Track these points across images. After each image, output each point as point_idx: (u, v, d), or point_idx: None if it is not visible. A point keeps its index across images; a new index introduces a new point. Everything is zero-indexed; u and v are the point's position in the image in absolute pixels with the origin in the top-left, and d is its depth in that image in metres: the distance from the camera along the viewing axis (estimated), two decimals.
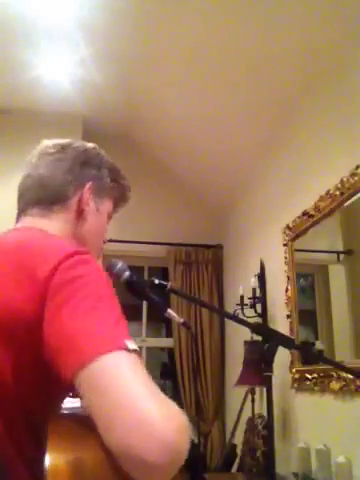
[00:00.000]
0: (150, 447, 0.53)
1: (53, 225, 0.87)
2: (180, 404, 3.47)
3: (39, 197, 0.89)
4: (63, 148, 0.94)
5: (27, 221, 0.88)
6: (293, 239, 2.70)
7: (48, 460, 0.56)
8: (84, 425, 0.60)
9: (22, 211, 0.91)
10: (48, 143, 0.97)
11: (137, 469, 0.55)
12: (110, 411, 0.55)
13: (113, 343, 0.59)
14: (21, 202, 0.92)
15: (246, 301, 3.09)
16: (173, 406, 0.58)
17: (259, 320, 2.99)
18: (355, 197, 2.09)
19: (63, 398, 0.77)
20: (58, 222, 0.88)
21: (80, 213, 0.90)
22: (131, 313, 4.55)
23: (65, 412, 0.77)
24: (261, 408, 2.91)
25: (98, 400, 0.57)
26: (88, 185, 0.91)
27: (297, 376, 2.51)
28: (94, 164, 0.95)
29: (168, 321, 4.38)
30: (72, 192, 0.90)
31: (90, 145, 0.99)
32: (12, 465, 0.66)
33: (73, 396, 0.71)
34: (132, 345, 0.61)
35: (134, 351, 0.60)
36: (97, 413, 0.57)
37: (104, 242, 1.01)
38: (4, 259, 0.72)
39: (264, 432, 2.70)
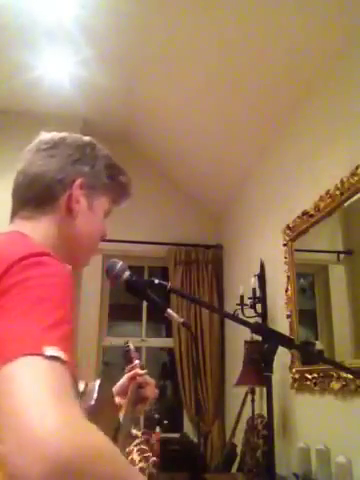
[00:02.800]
0: (30, 462, 0.46)
1: (40, 227, 0.85)
2: (180, 404, 3.47)
3: (27, 197, 0.88)
4: (56, 144, 0.91)
5: (15, 224, 0.87)
6: (293, 239, 2.70)
7: None
8: None
9: (14, 213, 0.89)
10: (44, 137, 0.94)
11: None
12: (2, 422, 0.50)
13: (26, 348, 0.54)
14: (13, 200, 0.91)
15: (246, 301, 3.09)
16: (81, 421, 0.52)
17: (259, 320, 2.99)
18: (355, 197, 2.09)
19: None
20: (47, 223, 0.86)
21: (69, 212, 0.87)
22: (131, 313, 4.57)
23: None
24: (261, 408, 2.91)
25: None
26: (77, 182, 0.88)
27: (297, 376, 2.51)
28: (87, 160, 0.92)
29: (168, 321, 4.38)
30: (61, 191, 0.87)
31: (86, 139, 0.96)
32: None
33: None
34: (53, 352, 0.55)
35: (54, 358, 0.54)
36: None
37: (102, 238, 0.98)
38: None
39: (264, 432, 2.70)
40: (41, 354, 0.54)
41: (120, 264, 1.12)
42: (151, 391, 1.20)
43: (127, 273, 1.12)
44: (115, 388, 1.17)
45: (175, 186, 4.36)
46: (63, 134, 0.94)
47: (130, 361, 1.23)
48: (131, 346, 1.26)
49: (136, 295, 1.14)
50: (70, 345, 0.58)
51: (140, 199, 4.28)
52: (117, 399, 1.12)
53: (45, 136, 0.94)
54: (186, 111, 3.41)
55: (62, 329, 0.59)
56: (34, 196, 0.87)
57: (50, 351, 0.54)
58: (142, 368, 1.22)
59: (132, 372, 1.21)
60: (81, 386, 0.83)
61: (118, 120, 3.99)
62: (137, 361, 1.23)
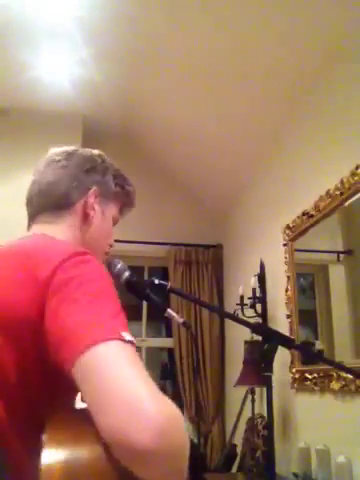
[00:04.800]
0: (141, 432, 0.52)
1: (60, 230, 0.90)
2: (180, 404, 3.45)
3: (45, 204, 0.93)
4: (69, 155, 0.97)
5: (35, 228, 0.92)
6: (293, 239, 2.70)
7: (43, 455, 0.55)
8: (84, 419, 0.59)
9: (31, 219, 0.94)
10: (55, 151, 1.00)
11: (128, 456, 0.54)
12: (101, 397, 0.56)
13: (108, 333, 0.60)
14: (29, 208, 0.95)
15: (246, 301, 3.09)
16: (166, 398, 0.58)
17: (259, 320, 2.99)
18: (355, 197, 2.09)
19: (72, 395, 0.77)
20: (64, 227, 0.91)
21: (85, 217, 0.93)
22: (131, 313, 4.54)
23: (71, 407, 0.76)
24: (261, 408, 2.91)
25: (91, 387, 0.57)
26: (92, 190, 0.94)
27: (297, 376, 2.51)
28: (99, 170, 0.98)
29: (168, 321, 4.38)
30: (77, 197, 0.93)
31: (95, 152, 1.02)
32: (17, 458, 0.67)
33: None
34: (128, 336, 0.61)
35: (130, 342, 0.61)
36: (90, 400, 0.57)
37: (110, 246, 1.03)
38: (9, 264, 0.74)
39: (264, 432, 2.70)
40: (122, 339, 0.60)
41: (120, 264, 1.13)
42: None
43: (127, 273, 1.12)
44: None
45: (175, 186, 4.36)
46: (75, 147, 1.01)
47: None
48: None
49: (136, 295, 1.14)
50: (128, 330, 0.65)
51: (140, 199, 4.25)
52: None
53: (57, 150, 1.00)
54: (186, 111, 3.40)
55: (123, 316, 0.66)
56: (51, 203, 0.92)
57: (127, 336, 0.61)
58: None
59: None
60: None
61: (118, 119, 3.99)
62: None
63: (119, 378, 0.56)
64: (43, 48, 3.05)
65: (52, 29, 2.84)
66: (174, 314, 1.16)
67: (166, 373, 4.99)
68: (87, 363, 0.58)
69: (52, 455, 0.56)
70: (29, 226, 0.94)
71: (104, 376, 0.56)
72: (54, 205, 0.92)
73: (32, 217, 0.94)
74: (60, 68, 3.25)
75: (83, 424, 0.59)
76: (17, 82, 3.36)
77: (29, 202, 0.96)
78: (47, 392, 0.69)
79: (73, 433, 0.60)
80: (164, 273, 4.30)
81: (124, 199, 1.05)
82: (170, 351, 4.37)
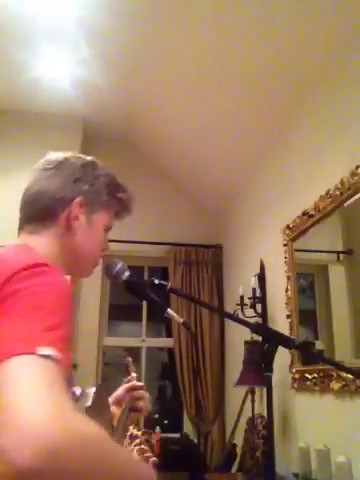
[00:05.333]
0: (21, 448, 0.49)
1: (43, 241, 0.91)
2: (180, 404, 3.46)
3: (31, 213, 0.94)
4: (59, 164, 0.97)
5: (21, 238, 0.94)
6: (293, 239, 2.70)
7: None
8: None
9: (20, 227, 0.96)
10: (49, 157, 1.00)
11: (16, 476, 0.49)
12: None
13: (23, 348, 0.59)
14: (20, 215, 0.97)
15: (246, 301, 3.09)
16: (71, 411, 0.56)
17: (259, 320, 2.99)
18: (355, 197, 2.09)
19: None
20: (49, 238, 0.92)
21: (69, 228, 0.93)
22: (131, 313, 4.57)
23: None
24: (261, 408, 2.91)
25: None
26: (77, 200, 0.94)
27: (297, 376, 2.51)
28: (88, 179, 0.98)
29: (168, 321, 4.38)
30: (61, 208, 0.94)
31: (88, 159, 1.02)
32: None
33: None
34: (45, 351, 0.59)
35: (46, 357, 0.59)
36: None
37: (103, 250, 1.03)
38: None
39: (264, 432, 2.70)
40: (35, 353, 0.58)
41: (120, 264, 1.12)
42: (145, 404, 1.21)
43: (127, 273, 1.12)
44: (111, 398, 1.18)
45: (175, 186, 4.36)
46: (67, 154, 1.00)
47: (128, 373, 1.25)
48: (129, 359, 1.29)
49: (136, 295, 1.14)
50: (64, 347, 0.62)
51: (140, 199, 4.25)
52: (112, 408, 1.14)
53: (51, 156, 1.00)
54: (186, 111, 3.41)
55: (56, 332, 0.63)
56: (37, 213, 0.94)
57: (43, 351, 0.59)
58: (138, 380, 1.24)
59: (129, 384, 1.22)
60: (77, 391, 0.85)
61: (118, 120, 3.99)
62: (134, 374, 1.24)
63: (15, 393, 0.54)
64: (43, 49, 3.05)
65: (53, 30, 2.84)
66: (174, 314, 1.15)
67: (166, 373, 5.00)
68: None
69: None
70: (18, 235, 0.96)
71: (2, 390, 0.55)
72: (39, 216, 0.93)
73: (20, 226, 0.96)
74: (60, 69, 3.25)
75: None
76: (18, 83, 3.36)
77: (21, 209, 0.97)
78: None
79: None
80: (164, 273, 4.30)
81: (117, 206, 1.04)
82: (170, 351, 4.37)
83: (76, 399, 0.83)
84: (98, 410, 0.89)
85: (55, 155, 1.00)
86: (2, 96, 3.57)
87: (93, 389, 0.87)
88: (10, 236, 1.01)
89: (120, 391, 1.23)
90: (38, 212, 0.93)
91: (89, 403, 0.83)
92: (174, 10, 2.56)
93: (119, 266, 1.12)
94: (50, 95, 3.53)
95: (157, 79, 3.23)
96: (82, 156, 1.02)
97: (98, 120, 3.97)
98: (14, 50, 3.04)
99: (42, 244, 0.90)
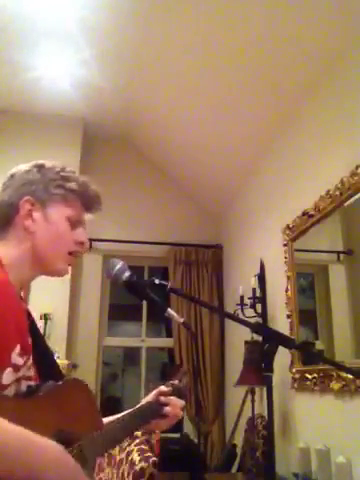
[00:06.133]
0: None
1: (10, 244, 0.97)
2: None
3: None
4: (11, 177, 1.03)
5: None
6: (293, 239, 2.70)
7: None
8: None
9: None
10: (7, 174, 1.06)
11: None
12: None
13: None
14: None
15: (246, 301, 3.09)
16: None
17: (259, 320, 2.99)
18: (355, 197, 2.09)
19: None
20: (12, 242, 0.97)
21: (26, 228, 0.97)
22: (131, 313, 4.57)
23: None
24: (261, 408, 2.91)
25: None
26: (23, 200, 0.98)
27: (297, 376, 2.51)
28: (33, 180, 1.02)
29: (168, 321, 4.38)
30: (14, 212, 0.98)
31: (35, 163, 1.05)
32: None
33: None
34: None
35: None
36: None
37: (79, 244, 1.03)
38: None
39: (264, 432, 2.70)
40: None
41: (120, 264, 1.12)
42: (173, 410, 1.17)
43: (127, 273, 1.12)
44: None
45: (175, 186, 4.36)
46: (21, 166, 1.06)
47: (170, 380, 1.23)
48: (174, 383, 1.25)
49: (136, 295, 1.14)
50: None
51: (140, 199, 4.28)
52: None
53: (7, 173, 1.06)
54: (186, 111, 3.41)
55: None
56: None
57: None
58: (179, 390, 1.21)
59: (158, 389, 1.20)
60: None
61: (118, 120, 3.99)
62: (176, 381, 1.23)
63: None
64: (43, 49, 3.05)
65: (53, 30, 2.84)
66: (174, 314, 1.15)
67: (166, 373, 4.99)
68: None
69: None
70: None
71: None
72: (0, 224, 0.99)
73: None
74: (61, 69, 3.25)
75: None
76: (18, 83, 3.36)
77: None
78: None
79: None
80: (164, 273, 4.30)
81: (75, 196, 1.04)
82: (170, 351, 4.37)
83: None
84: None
85: (10, 171, 1.06)
86: (2, 96, 3.56)
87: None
88: None
89: (150, 397, 1.22)
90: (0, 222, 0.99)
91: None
92: (175, 10, 2.56)
93: (119, 266, 1.12)
94: (50, 95, 3.52)
95: (157, 80, 3.23)
96: (33, 162, 1.06)
97: (98, 120, 3.97)
98: (14, 50, 3.04)
99: (8, 249, 0.95)
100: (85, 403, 0.91)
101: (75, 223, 1.03)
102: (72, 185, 1.04)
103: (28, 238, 0.97)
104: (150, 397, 1.20)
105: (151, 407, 1.16)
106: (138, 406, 1.16)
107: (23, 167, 1.04)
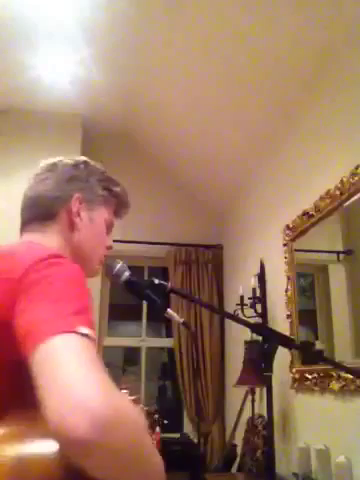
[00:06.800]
0: (78, 421, 0.52)
1: (48, 238, 0.94)
2: (180, 404, 3.45)
3: (33, 215, 0.97)
4: (52, 166, 1.01)
5: (25, 237, 0.96)
6: (293, 239, 2.70)
7: None
8: (40, 415, 0.59)
9: (22, 229, 0.98)
10: (42, 164, 1.03)
11: (68, 447, 0.53)
12: (46, 389, 0.56)
13: (64, 327, 0.62)
14: (21, 221, 1.00)
15: (246, 301, 3.08)
16: (115, 389, 0.58)
17: (259, 320, 2.99)
18: (355, 197, 2.09)
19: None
20: (52, 235, 0.95)
21: (71, 224, 0.96)
22: (131, 313, 4.57)
23: (31, 404, 0.77)
24: (261, 408, 2.91)
25: (40, 379, 0.58)
26: (75, 197, 0.97)
27: (297, 376, 2.51)
28: (82, 177, 1.00)
29: (168, 321, 4.38)
30: (61, 206, 0.96)
31: (79, 159, 1.04)
32: None
33: None
34: (85, 330, 0.63)
35: (86, 336, 0.62)
36: (39, 392, 0.57)
37: (108, 248, 1.05)
38: None
39: (264, 432, 2.70)
40: (76, 332, 0.62)
41: (120, 264, 1.13)
42: None
43: (127, 273, 1.12)
44: None
45: (175, 186, 4.36)
46: (60, 158, 1.04)
47: None
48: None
49: (136, 295, 1.14)
50: (94, 329, 0.66)
51: (140, 199, 4.28)
52: None
53: (43, 163, 1.03)
54: (186, 110, 3.41)
55: (87, 315, 0.68)
56: (38, 213, 0.96)
57: (82, 330, 0.62)
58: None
59: None
60: None
61: (118, 119, 3.99)
62: (123, 391, 1.23)
63: (65, 370, 0.57)
64: (43, 49, 3.05)
65: (52, 30, 2.84)
66: (174, 314, 1.16)
67: (166, 373, 5.00)
68: (40, 353, 0.60)
69: (2, 450, 0.56)
70: (20, 235, 0.98)
71: (52, 367, 0.57)
72: (40, 216, 0.96)
73: (22, 228, 0.98)
74: (60, 69, 3.25)
75: (37, 419, 0.59)
76: (17, 82, 3.36)
77: (21, 214, 1.00)
78: (16, 390, 0.70)
79: (26, 429, 0.60)
80: (164, 273, 4.30)
81: (115, 201, 1.06)
82: (170, 351, 4.37)
83: None
84: None
85: (48, 160, 1.03)
86: (2, 96, 3.56)
87: None
88: (13, 234, 1.02)
89: None
90: (39, 213, 0.96)
91: None
92: (173, 9, 2.56)
93: (119, 266, 1.12)
94: (50, 95, 3.52)
95: (157, 78, 3.23)
96: (73, 157, 1.05)
97: (98, 119, 3.97)
98: (14, 50, 3.04)
99: (48, 241, 0.92)
100: None
101: (109, 227, 1.05)
102: (117, 189, 1.06)
103: (72, 235, 0.96)
104: None
105: None
106: None
107: (66, 160, 1.03)
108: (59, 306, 0.66)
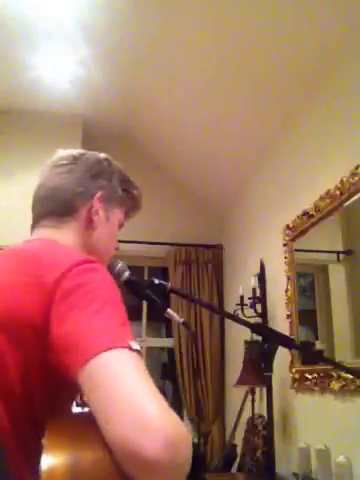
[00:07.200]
0: (147, 441, 0.52)
1: (64, 235, 0.90)
2: (180, 404, 3.45)
3: (50, 209, 0.92)
4: (75, 159, 0.96)
5: (40, 232, 0.92)
6: (293, 239, 2.70)
7: (44, 459, 0.55)
8: (86, 423, 0.59)
9: (36, 222, 0.94)
10: (62, 154, 0.99)
11: (135, 466, 0.53)
12: (108, 405, 0.56)
13: (116, 342, 0.61)
14: (34, 212, 0.95)
15: (246, 301, 3.08)
16: (169, 407, 0.58)
17: (259, 320, 2.99)
18: (355, 197, 2.09)
19: (71, 399, 0.78)
20: (68, 232, 0.91)
21: (89, 222, 0.93)
22: (131, 313, 4.54)
23: (70, 411, 0.76)
24: (261, 408, 2.91)
25: (97, 394, 0.57)
26: (98, 195, 0.94)
27: (297, 376, 2.51)
28: (105, 175, 0.98)
29: (168, 321, 4.38)
30: (82, 203, 0.93)
31: (102, 156, 1.01)
32: (15, 459, 0.66)
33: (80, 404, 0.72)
34: (135, 345, 0.62)
35: (136, 351, 0.61)
36: (96, 408, 0.57)
37: (116, 249, 1.04)
38: (13, 267, 0.75)
39: (264, 432, 2.70)
40: (129, 347, 0.61)
41: (120, 264, 1.13)
42: None
43: (127, 273, 1.12)
44: None
45: (175, 186, 4.36)
46: (81, 150, 1.01)
47: None
48: None
49: (136, 295, 1.14)
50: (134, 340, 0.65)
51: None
52: None
53: (63, 153, 0.99)
54: (186, 110, 3.40)
55: (129, 326, 0.67)
56: (56, 207, 0.92)
57: (134, 345, 0.61)
58: None
59: None
60: None
61: (118, 119, 3.99)
62: None
63: (123, 387, 0.56)
64: (43, 48, 3.05)
65: (52, 29, 2.84)
66: (174, 314, 1.16)
67: (166, 373, 4.99)
68: (95, 370, 0.58)
69: (54, 459, 0.55)
70: (32, 229, 0.94)
71: (111, 384, 0.57)
72: (58, 210, 0.92)
73: (36, 221, 0.94)
74: (60, 69, 3.25)
75: (84, 428, 0.59)
76: (17, 82, 3.36)
77: (34, 206, 0.95)
78: (47, 394, 0.70)
79: (74, 437, 0.59)
80: (164, 273, 4.29)
81: (130, 203, 1.05)
82: (170, 351, 4.37)
83: None
84: None
85: (68, 151, 1.00)
86: (2, 96, 3.56)
87: None
88: (12, 233, 1.01)
89: None
90: (58, 207, 0.92)
91: None
92: (174, 10, 2.56)
93: (119, 266, 1.12)
94: (50, 95, 3.52)
95: (157, 78, 3.23)
96: (96, 152, 1.02)
97: (98, 119, 3.97)
98: (14, 50, 3.04)
99: (62, 239, 0.89)
100: None
101: (120, 227, 1.04)
102: (135, 192, 1.05)
103: (86, 233, 0.93)
104: None
105: None
106: None
107: (89, 154, 1.00)
108: (104, 317, 0.65)
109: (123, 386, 0.56)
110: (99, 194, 0.94)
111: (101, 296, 0.68)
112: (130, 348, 0.61)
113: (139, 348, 0.62)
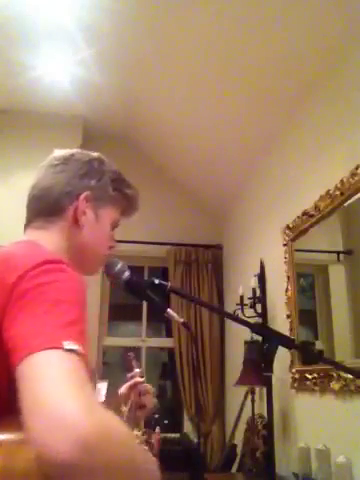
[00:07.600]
0: (57, 442, 0.50)
1: (50, 236, 0.91)
2: (180, 404, 3.46)
3: (39, 209, 0.94)
4: (66, 160, 0.97)
5: (28, 233, 0.94)
6: (293, 239, 2.70)
7: None
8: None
9: (27, 222, 0.96)
10: (54, 155, 1.00)
11: (52, 469, 0.50)
12: (29, 405, 0.54)
13: (49, 342, 0.60)
14: (27, 213, 0.97)
15: (246, 301, 3.09)
16: (99, 406, 0.56)
17: (259, 320, 2.99)
18: (355, 197, 2.09)
19: None
20: (54, 233, 0.92)
21: (76, 222, 0.93)
22: (131, 313, 4.57)
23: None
24: (261, 408, 2.91)
25: (23, 394, 0.56)
26: (83, 195, 0.94)
27: (297, 376, 2.51)
28: (94, 174, 0.98)
29: (168, 321, 4.38)
30: (69, 202, 0.94)
31: (94, 155, 1.01)
32: None
33: None
34: (71, 346, 0.60)
35: (71, 351, 0.60)
36: (22, 407, 0.55)
37: (110, 248, 1.03)
38: None
39: (264, 432, 2.70)
40: (61, 348, 0.59)
41: (120, 264, 1.13)
42: (149, 400, 1.22)
43: (127, 273, 1.12)
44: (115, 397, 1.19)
45: (175, 186, 4.36)
46: (73, 150, 1.01)
47: (130, 369, 1.24)
48: (132, 355, 1.29)
49: (136, 295, 1.14)
50: (85, 341, 0.64)
51: (140, 199, 4.28)
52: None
53: (57, 153, 1.00)
54: (186, 110, 3.41)
55: (77, 327, 0.65)
56: (44, 208, 0.93)
57: (68, 345, 0.60)
58: (141, 376, 1.24)
59: (132, 381, 1.22)
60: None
61: (118, 119, 3.99)
62: (137, 370, 1.24)
63: (50, 388, 0.55)
64: (43, 49, 3.05)
65: (52, 30, 2.84)
66: (174, 314, 1.16)
67: (166, 373, 5.00)
68: (24, 370, 0.58)
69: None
70: (24, 230, 0.96)
71: (36, 385, 0.56)
72: (47, 210, 0.93)
73: (28, 221, 0.96)
74: (60, 69, 3.25)
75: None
76: (18, 83, 3.36)
77: (28, 205, 0.97)
78: (8, 398, 0.67)
79: (13, 437, 0.60)
80: (164, 273, 4.30)
81: (124, 202, 1.05)
82: (170, 351, 4.37)
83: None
84: (109, 405, 0.90)
85: (61, 152, 1.00)
86: (2, 96, 3.57)
87: (105, 384, 0.88)
88: (11, 234, 1.01)
89: (123, 389, 1.23)
90: (45, 207, 0.93)
91: (102, 399, 0.84)
92: (175, 11, 2.56)
93: (119, 266, 1.12)
94: (50, 95, 3.52)
95: (157, 78, 3.23)
96: (88, 152, 1.02)
97: (98, 119, 3.97)
98: (14, 50, 3.04)
99: (49, 239, 0.89)
100: (115, 402, 0.92)
101: (113, 227, 1.03)
102: (129, 191, 1.05)
103: (75, 233, 0.94)
104: (124, 390, 1.22)
105: (135, 400, 1.19)
106: (129, 404, 1.17)
107: (80, 154, 1.00)
108: (47, 318, 0.63)
109: (47, 387, 0.55)
110: (85, 194, 0.94)
111: (52, 297, 0.66)
112: (62, 348, 0.59)
113: (76, 348, 0.60)
